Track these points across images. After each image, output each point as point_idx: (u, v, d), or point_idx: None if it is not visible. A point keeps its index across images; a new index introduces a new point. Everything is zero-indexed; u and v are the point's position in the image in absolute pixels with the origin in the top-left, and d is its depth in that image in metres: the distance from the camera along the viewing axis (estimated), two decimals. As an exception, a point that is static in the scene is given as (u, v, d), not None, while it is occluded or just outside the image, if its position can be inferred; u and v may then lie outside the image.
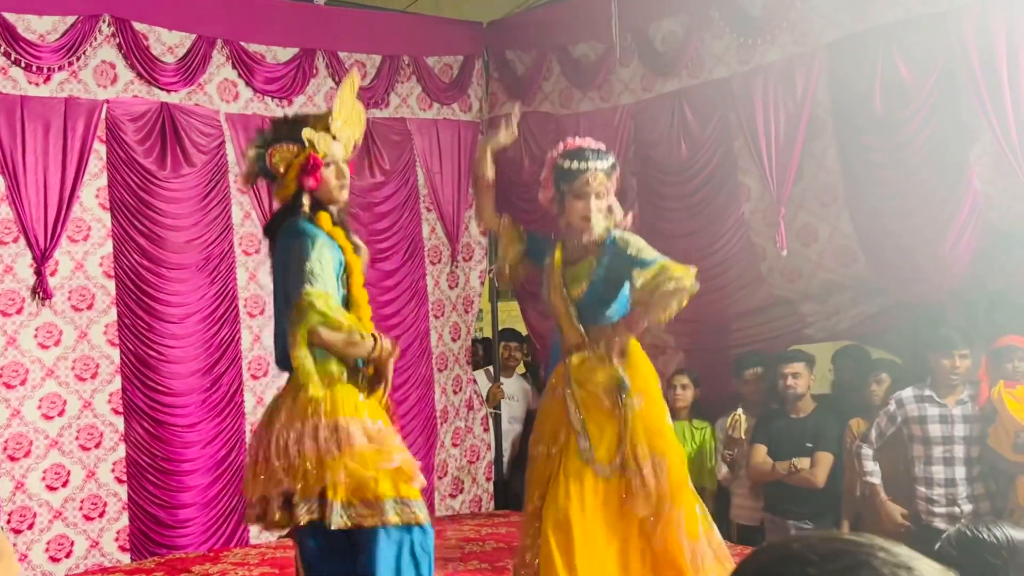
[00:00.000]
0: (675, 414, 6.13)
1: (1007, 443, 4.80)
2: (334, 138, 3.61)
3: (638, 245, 4.02)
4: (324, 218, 3.57)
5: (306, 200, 3.57)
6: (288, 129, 3.63)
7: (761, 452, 5.67)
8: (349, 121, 3.70)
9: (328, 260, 3.46)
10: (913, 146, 5.27)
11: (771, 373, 5.85)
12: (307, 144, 3.55)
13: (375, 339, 3.53)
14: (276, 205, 3.79)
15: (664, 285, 3.84)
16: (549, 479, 4.02)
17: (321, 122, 3.62)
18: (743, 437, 5.67)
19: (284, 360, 3.53)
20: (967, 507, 5.00)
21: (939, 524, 4.95)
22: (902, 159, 5.31)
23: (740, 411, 5.71)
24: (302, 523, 3.43)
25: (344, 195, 3.65)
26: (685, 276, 3.85)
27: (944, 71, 5.13)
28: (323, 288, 3.38)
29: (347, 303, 3.56)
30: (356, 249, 3.65)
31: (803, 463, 5.52)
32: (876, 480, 5.24)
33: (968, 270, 5.27)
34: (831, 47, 5.60)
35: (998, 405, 4.84)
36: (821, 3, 5.62)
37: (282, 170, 3.57)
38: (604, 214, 4.02)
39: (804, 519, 5.56)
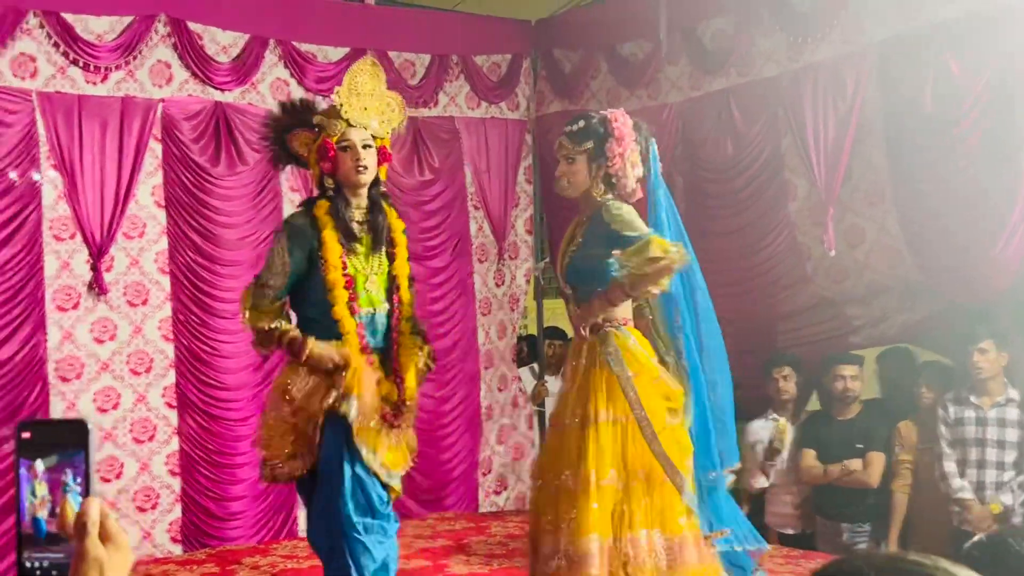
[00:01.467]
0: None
1: None
2: (348, 124, 3.70)
3: (624, 219, 3.77)
4: (321, 205, 3.76)
5: (328, 182, 3.75)
6: (300, 115, 3.80)
7: (810, 456, 5.63)
8: (371, 109, 3.78)
9: (279, 252, 3.76)
10: (964, 146, 5.22)
11: (802, 375, 5.81)
12: (319, 129, 3.72)
13: (280, 332, 3.82)
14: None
15: (650, 259, 3.63)
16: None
17: (332, 109, 3.76)
18: (782, 450, 5.64)
19: None
20: (1006, 498, 4.94)
21: (968, 528, 4.93)
22: (953, 159, 5.26)
23: (784, 421, 5.68)
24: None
25: (362, 178, 3.73)
26: (672, 250, 3.66)
27: (997, 70, 5.08)
28: (256, 282, 3.82)
29: (321, 287, 3.74)
30: (353, 233, 3.79)
31: (855, 464, 5.49)
32: (968, 495, 5.07)
33: (1019, 272, 5.21)
34: (882, 45, 5.56)
35: None
36: (872, 1, 5.58)
37: (305, 154, 3.78)
38: (570, 179, 3.88)
39: (856, 521, 5.54)
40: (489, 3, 8.33)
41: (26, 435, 1.26)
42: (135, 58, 5.85)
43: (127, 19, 5.82)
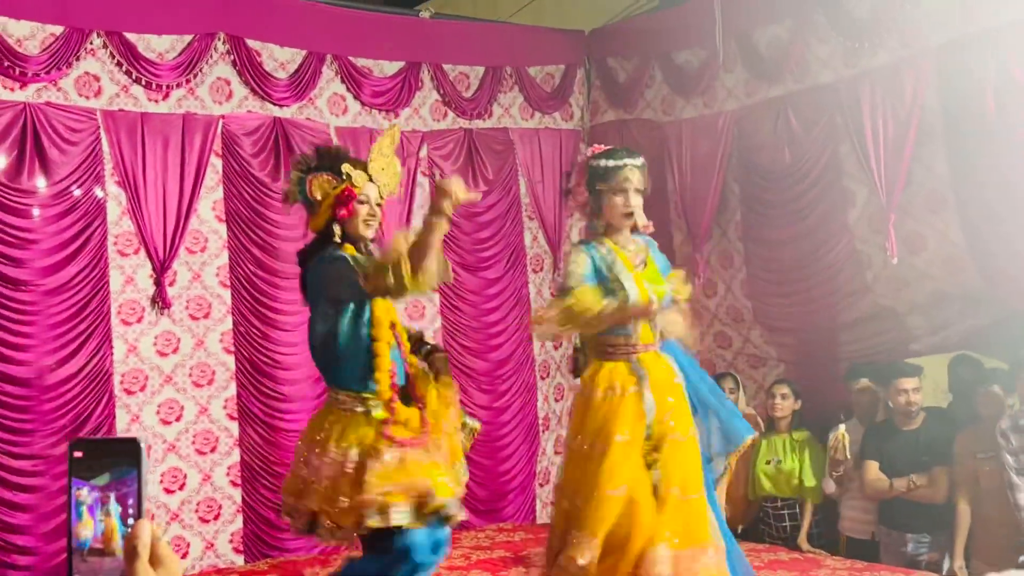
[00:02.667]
0: (774, 425, 6.08)
1: None
2: (370, 179, 3.82)
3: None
4: (349, 248, 3.78)
5: (337, 230, 3.78)
6: (330, 160, 3.84)
7: (874, 469, 5.55)
8: (387, 170, 3.93)
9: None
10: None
11: (881, 384, 5.73)
12: (345, 177, 3.78)
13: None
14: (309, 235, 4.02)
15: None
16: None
17: (360, 163, 3.86)
18: (847, 458, 5.58)
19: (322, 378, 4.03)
20: None
21: None
22: (1016, 164, 5.16)
23: (843, 429, 5.61)
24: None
25: (369, 233, 3.84)
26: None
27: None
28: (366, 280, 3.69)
29: (370, 322, 3.78)
30: None
31: (921, 479, 5.40)
32: None
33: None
34: (941, 50, 5.49)
35: None
36: (930, 5, 5.51)
37: (319, 198, 3.79)
38: (639, 212, 4.02)
39: (920, 532, 5.45)
40: (543, 14, 8.36)
41: (78, 454, 1.25)
42: (195, 76, 5.95)
43: (187, 38, 5.93)
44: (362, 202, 3.80)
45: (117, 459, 1.24)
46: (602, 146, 4.22)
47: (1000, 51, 5.20)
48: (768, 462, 6.03)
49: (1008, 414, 5.15)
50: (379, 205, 3.85)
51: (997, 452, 5.14)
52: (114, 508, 1.23)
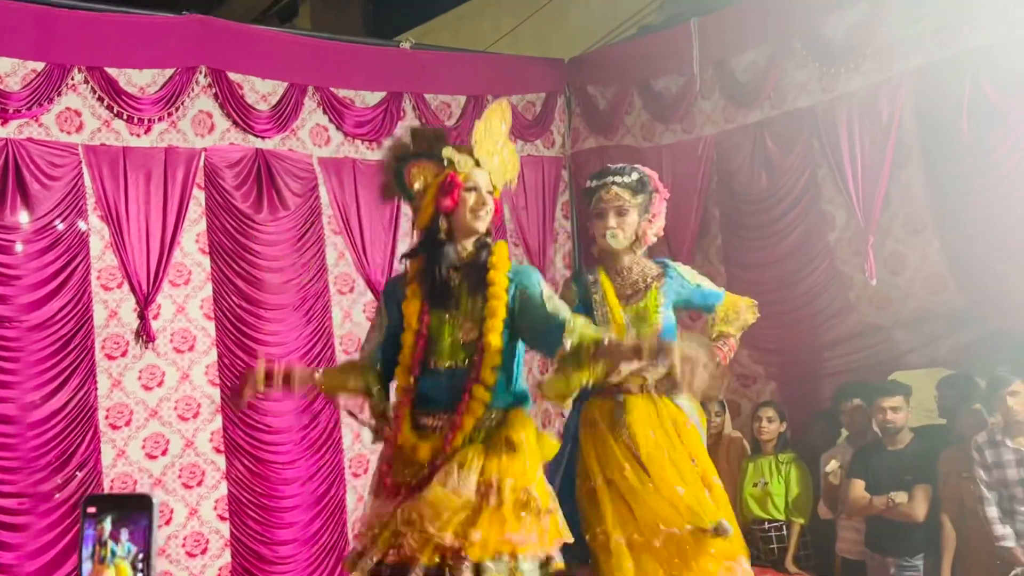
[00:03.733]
0: (760, 447, 6.10)
1: None
2: (477, 164, 3.29)
3: (699, 276, 4.03)
4: (502, 248, 3.31)
5: (443, 224, 3.25)
6: (428, 144, 3.31)
7: (859, 487, 5.56)
8: (499, 155, 3.39)
9: (379, 308, 3.46)
10: (1003, 170, 5.19)
11: (871, 403, 5.76)
12: (447, 163, 3.26)
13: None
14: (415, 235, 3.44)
15: (744, 315, 4.02)
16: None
17: (465, 147, 3.33)
18: (837, 484, 5.61)
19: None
20: None
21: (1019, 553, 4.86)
22: (993, 184, 5.23)
23: (836, 462, 5.63)
24: None
25: (479, 225, 3.26)
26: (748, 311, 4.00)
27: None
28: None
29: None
30: None
31: (901, 497, 5.41)
32: (1011, 543, 4.97)
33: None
34: (916, 73, 5.56)
35: None
36: (905, 29, 5.59)
37: (419, 188, 3.28)
38: (624, 231, 3.87)
39: (904, 555, 5.44)
40: (522, 43, 8.43)
41: (92, 509, 1.26)
42: (177, 109, 5.97)
43: (168, 71, 5.95)
44: (469, 189, 3.25)
45: (130, 515, 1.25)
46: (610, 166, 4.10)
47: (974, 74, 5.27)
48: (755, 484, 6.04)
49: (986, 429, 5.17)
50: (491, 194, 3.30)
51: (971, 466, 5.17)
52: (126, 562, 1.24)
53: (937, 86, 5.45)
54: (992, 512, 5.02)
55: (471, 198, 3.24)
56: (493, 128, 3.39)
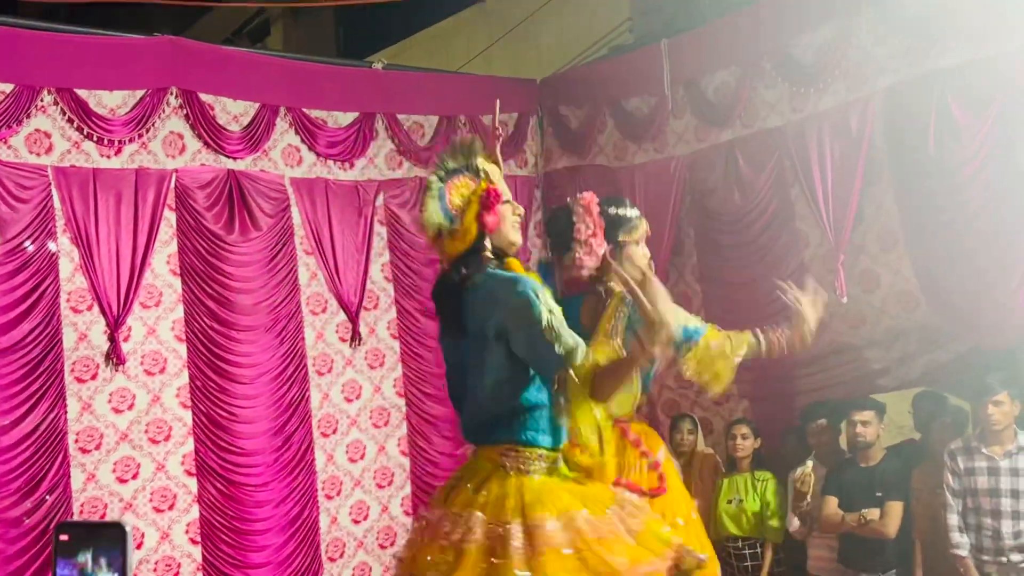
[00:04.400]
0: (735, 464, 6.11)
1: None
2: (499, 168, 3.03)
3: None
4: (515, 264, 3.00)
5: (488, 243, 2.92)
6: (465, 157, 2.96)
7: (832, 503, 5.58)
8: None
9: (552, 304, 2.87)
10: (971, 189, 5.25)
11: (838, 422, 5.78)
12: (483, 175, 2.91)
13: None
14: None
15: None
16: None
17: (490, 153, 3.03)
18: (812, 491, 5.60)
19: (477, 432, 3.03)
20: (1016, 556, 4.88)
21: (991, 570, 4.90)
22: (962, 203, 5.29)
23: (810, 465, 5.64)
24: None
25: (518, 237, 3.01)
26: None
27: (1000, 114, 5.13)
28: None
29: None
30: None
31: (873, 514, 5.43)
32: (964, 552, 5.06)
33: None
34: (885, 93, 5.63)
35: None
36: (874, 50, 5.66)
37: (461, 208, 2.90)
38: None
39: (877, 571, 5.47)
40: (494, 64, 8.47)
41: (64, 537, 1.25)
42: (148, 130, 5.94)
43: (139, 93, 5.92)
44: (506, 201, 2.97)
45: (103, 543, 1.24)
46: (588, 193, 3.96)
47: (942, 93, 5.35)
48: (729, 501, 6.05)
49: (962, 437, 5.21)
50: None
51: (942, 473, 5.20)
52: None
53: (906, 106, 5.52)
54: (953, 520, 5.08)
55: (507, 210, 2.96)
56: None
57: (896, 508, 5.39)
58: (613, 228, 3.83)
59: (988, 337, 5.44)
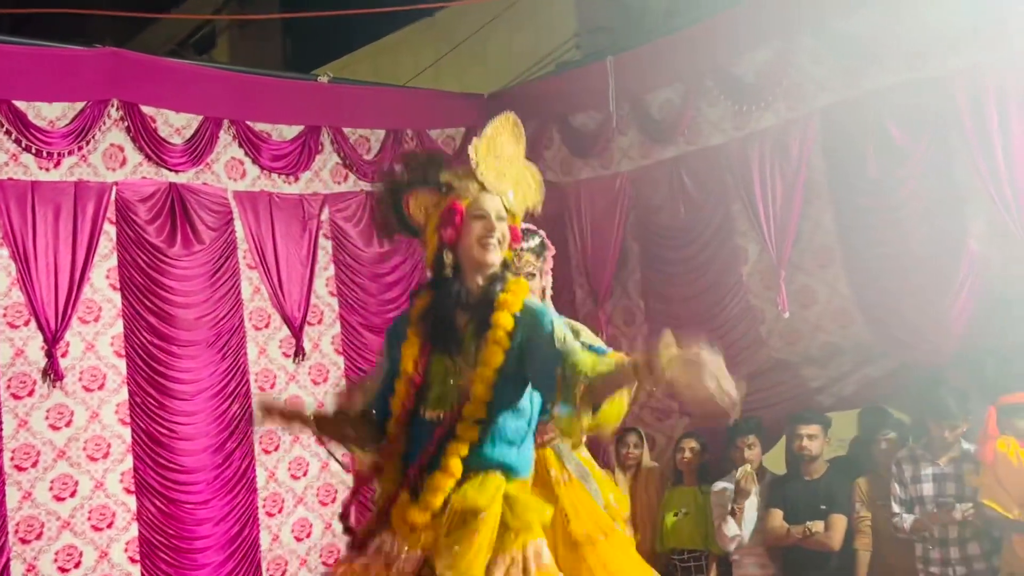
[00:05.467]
0: (681, 477, 6.14)
1: (1008, 501, 4.73)
2: (483, 188, 2.90)
3: None
4: (423, 296, 2.96)
5: (448, 259, 2.88)
6: (425, 171, 2.95)
7: (777, 516, 5.63)
8: (509, 175, 2.99)
9: (383, 349, 2.95)
10: (908, 208, 5.35)
11: (766, 441, 5.84)
12: (445, 188, 2.90)
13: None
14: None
15: None
16: None
17: (465, 168, 2.95)
18: (753, 487, 5.63)
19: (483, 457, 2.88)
20: (960, 569, 4.97)
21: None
22: (898, 221, 5.39)
23: (749, 466, 5.68)
24: None
25: (491, 256, 2.88)
26: None
27: (936, 134, 5.24)
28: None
29: None
30: None
31: (817, 526, 5.49)
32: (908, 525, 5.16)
33: (967, 331, 5.28)
34: (824, 112, 5.72)
35: (1002, 462, 4.77)
36: (814, 70, 5.75)
37: (422, 221, 2.91)
38: (539, 295, 3.82)
39: (819, 583, 5.54)
40: (442, 78, 8.46)
41: None
42: (88, 143, 5.86)
43: (79, 105, 5.85)
44: (477, 217, 2.87)
45: None
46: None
47: (880, 112, 5.44)
48: (675, 514, 6.08)
49: (908, 446, 5.28)
50: (502, 219, 2.90)
51: (885, 495, 5.26)
52: None
53: (844, 125, 5.61)
54: (902, 522, 5.13)
55: (478, 227, 2.86)
56: (499, 145, 2.98)
57: (840, 521, 5.46)
58: None
59: (923, 354, 5.53)
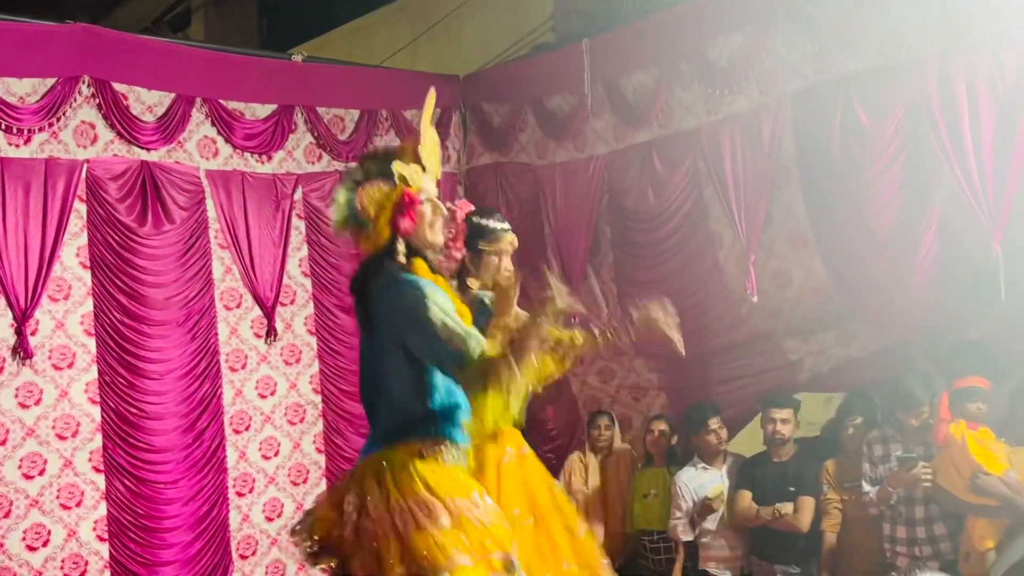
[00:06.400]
0: (651, 459, 6.19)
1: (960, 483, 4.80)
2: (424, 170, 3.10)
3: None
4: (420, 265, 3.06)
5: (400, 247, 3.03)
6: (377, 165, 3.09)
7: (746, 498, 5.68)
8: (431, 152, 3.17)
9: (445, 302, 2.96)
10: (876, 191, 5.38)
11: (736, 418, 5.90)
12: (399, 179, 3.04)
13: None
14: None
15: None
16: None
17: (410, 153, 3.10)
18: (719, 510, 5.70)
19: (393, 432, 3.06)
20: (926, 547, 5.03)
21: (902, 563, 5.01)
22: (866, 203, 5.41)
23: (721, 486, 5.72)
24: None
25: (440, 238, 3.13)
26: None
27: (905, 118, 5.26)
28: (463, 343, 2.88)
29: None
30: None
31: (787, 508, 5.54)
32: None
33: (934, 310, 5.33)
34: (795, 97, 5.73)
35: (953, 445, 4.84)
36: (786, 54, 5.75)
37: (372, 213, 3.04)
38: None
39: (789, 563, 5.58)
40: (417, 59, 8.44)
41: None
42: (59, 119, 5.81)
43: (50, 81, 5.79)
44: (424, 202, 3.07)
45: None
46: (467, 202, 4.30)
47: (849, 97, 5.46)
48: (645, 496, 6.12)
49: (879, 427, 5.34)
50: (440, 200, 3.13)
51: (859, 463, 5.31)
52: None
53: (814, 109, 5.63)
54: (871, 495, 5.17)
55: (428, 211, 3.06)
56: (427, 122, 3.19)
57: (809, 503, 5.52)
58: (473, 236, 4.09)
59: (897, 330, 5.56)
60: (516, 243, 4.18)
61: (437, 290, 2.97)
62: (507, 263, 4.12)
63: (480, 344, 2.86)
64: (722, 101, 6.05)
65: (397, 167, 3.04)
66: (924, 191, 5.25)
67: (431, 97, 3.24)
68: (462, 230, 4.08)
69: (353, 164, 3.18)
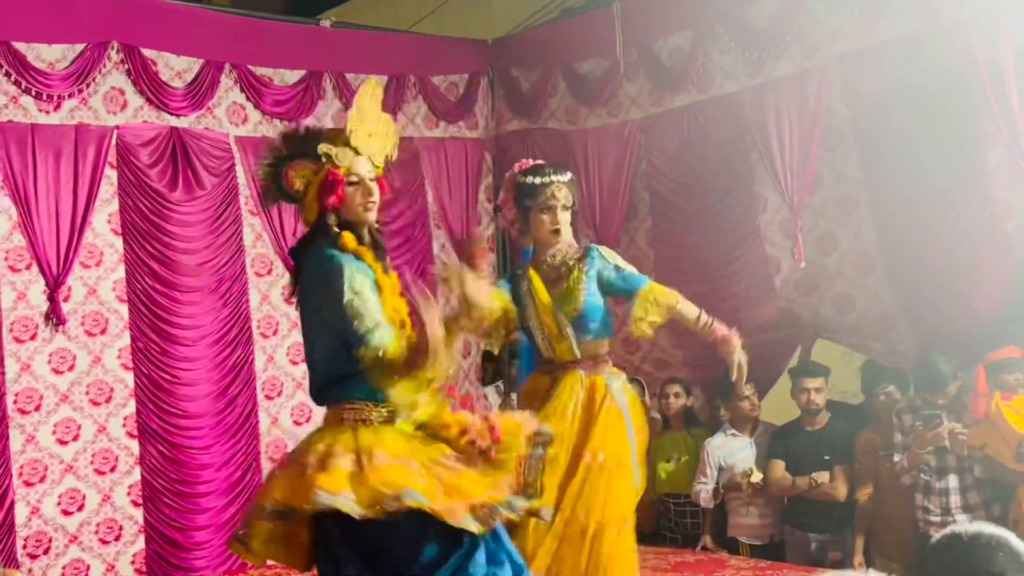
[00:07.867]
0: (670, 423, 6.17)
1: (1008, 454, 4.78)
2: (356, 152, 3.24)
3: (618, 259, 4.18)
4: (348, 237, 3.19)
5: (331, 220, 3.19)
6: (303, 144, 3.25)
7: (780, 467, 5.65)
8: (376, 134, 3.32)
9: (363, 283, 3.10)
10: (929, 156, 5.29)
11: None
12: (324, 159, 3.21)
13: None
14: (301, 228, 3.41)
15: (662, 303, 4.09)
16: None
17: (340, 136, 3.26)
18: (754, 487, 5.68)
19: (319, 395, 3.28)
20: (961, 516, 4.97)
21: (934, 532, 4.97)
22: (920, 170, 5.33)
23: (755, 471, 5.69)
24: None
25: (371, 216, 3.26)
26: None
27: (956, 82, 5.16)
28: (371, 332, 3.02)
29: None
30: (386, 269, 3.30)
31: (823, 477, 5.51)
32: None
33: (986, 279, 5.26)
34: (842, 60, 5.65)
35: (996, 418, 4.81)
36: (827, 18, 5.66)
37: (301, 190, 3.22)
38: (566, 227, 4.11)
39: (824, 532, 5.56)
40: (444, 24, 8.35)
41: None
42: (88, 85, 5.78)
43: (79, 47, 5.75)
44: (353, 183, 3.21)
45: None
46: (529, 161, 4.23)
47: (898, 61, 5.38)
48: (668, 460, 6.10)
49: (907, 396, 5.31)
50: (374, 180, 3.25)
51: (888, 444, 5.28)
52: None
53: (863, 72, 5.54)
54: (903, 463, 5.15)
55: (357, 193, 3.22)
56: (365, 109, 3.32)
57: (844, 471, 5.50)
58: (520, 196, 4.10)
59: (937, 301, 5.49)
60: (567, 195, 4.08)
61: (360, 269, 3.12)
62: (559, 218, 4.07)
63: (382, 338, 3.01)
64: (764, 65, 5.95)
65: (323, 147, 3.20)
66: (978, 157, 5.17)
67: (373, 83, 3.37)
68: (511, 192, 4.12)
69: (274, 142, 3.29)
